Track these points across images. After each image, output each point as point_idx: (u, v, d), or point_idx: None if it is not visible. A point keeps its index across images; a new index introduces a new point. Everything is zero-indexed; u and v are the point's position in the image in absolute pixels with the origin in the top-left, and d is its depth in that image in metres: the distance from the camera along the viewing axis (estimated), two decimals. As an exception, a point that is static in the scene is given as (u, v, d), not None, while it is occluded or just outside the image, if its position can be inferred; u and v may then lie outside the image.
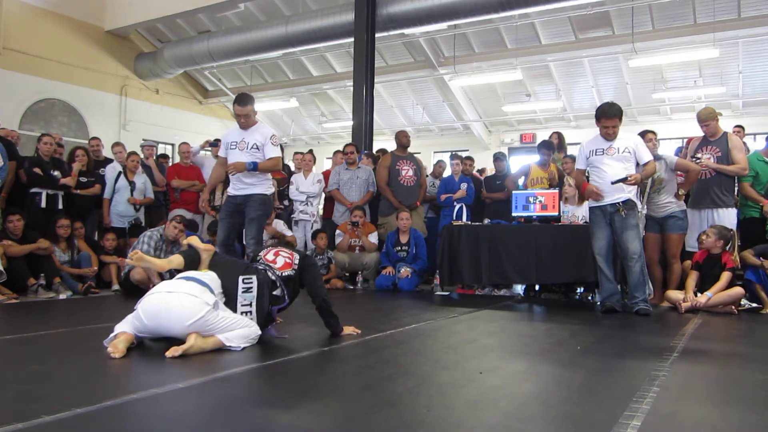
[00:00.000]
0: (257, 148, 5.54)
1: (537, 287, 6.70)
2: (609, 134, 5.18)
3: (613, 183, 5.09)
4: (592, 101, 14.48)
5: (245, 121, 5.54)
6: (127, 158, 7.76)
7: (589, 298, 6.34)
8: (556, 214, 6.39)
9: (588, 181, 5.46)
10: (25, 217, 6.17)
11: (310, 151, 8.54)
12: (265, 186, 5.65)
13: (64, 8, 13.76)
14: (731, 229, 5.50)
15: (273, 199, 7.99)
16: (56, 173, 6.83)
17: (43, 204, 6.70)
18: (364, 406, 2.27)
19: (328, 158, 13.94)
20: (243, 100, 5.52)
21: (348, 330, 3.83)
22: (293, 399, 2.42)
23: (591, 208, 5.35)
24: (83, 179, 7.30)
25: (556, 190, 6.59)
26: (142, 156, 8.32)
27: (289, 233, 7.44)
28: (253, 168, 5.46)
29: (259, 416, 2.14)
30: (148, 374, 2.91)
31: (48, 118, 13.36)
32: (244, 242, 5.65)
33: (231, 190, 5.65)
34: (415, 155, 8.25)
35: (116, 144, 8.42)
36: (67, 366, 3.10)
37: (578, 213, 6.46)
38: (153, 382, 2.54)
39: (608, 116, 5.18)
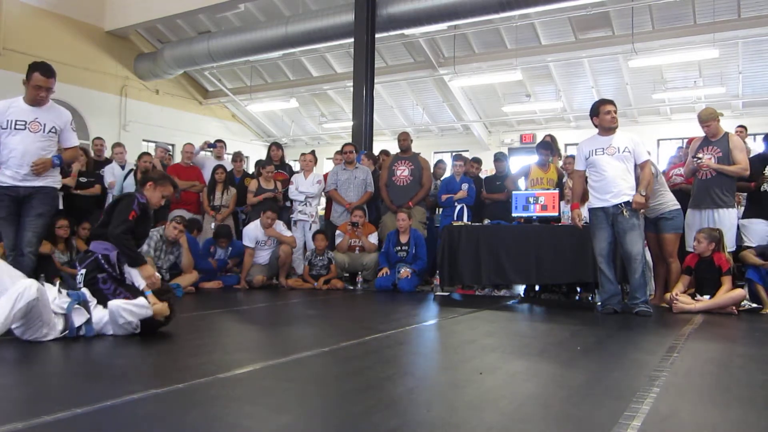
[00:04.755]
0: (54, 133, 4.71)
1: (537, 287, 6.70)
2: (614, 119, 5.23)
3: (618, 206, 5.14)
4: (592, 101, 14.41)
5: (45, 96, 4.64)
6: (139, 159, 7.80)
7: (589, 298, 6.34)
8: (556, 214, 6.38)
9: (586, 182, 5.48)
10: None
11: (312, 152, 8.54)
12: (57, 179, 4.84)
13: (64, 8, 13.76)
14: (717, 229, 5.52)
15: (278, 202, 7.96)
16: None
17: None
18: (364, 406, 2.27)
19: (328, 158, 13.95)
20: (49, 69, 4.62)
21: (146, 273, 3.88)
22: (293, 399, 2.42)
23: (592, 210, 5.33)
24: (83, 179, 7.31)
25: (556, 191, 6.59)
26: (153, 155, 8.39)
27: (288, 234, 7.44)
28: (59, 164, 4.74)
29: (259, 417, 2.14)
30: (143, 375, 2.91)
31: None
32: (21, 240, 4.64)
33: (9, 180, 4.59)
34: (419, 156, 8.23)
35: (117, 144, 8.45)
36: (66, 366, 3.10)
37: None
38: (151, 384, 2.53)
39: (606, 101, 5.30)
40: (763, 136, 6.54)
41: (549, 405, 2.38)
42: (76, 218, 6.89)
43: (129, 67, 15.51)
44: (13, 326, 3.30)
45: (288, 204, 8.22)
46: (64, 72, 13.43)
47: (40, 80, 4.54)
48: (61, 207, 6.80)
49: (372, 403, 2.32)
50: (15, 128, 4.56)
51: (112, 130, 14.34)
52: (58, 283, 3.74)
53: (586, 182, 5.51)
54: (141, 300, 3.66)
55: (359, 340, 3.68)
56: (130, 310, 3.57)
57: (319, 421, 2.14)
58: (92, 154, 8.23)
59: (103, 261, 3.83)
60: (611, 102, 5.33)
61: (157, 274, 3.97)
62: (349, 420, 2.10)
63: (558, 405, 2.37)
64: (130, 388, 2.41)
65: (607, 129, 5.28)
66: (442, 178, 8.38)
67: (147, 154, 8.00)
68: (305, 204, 7.91)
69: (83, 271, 3.80)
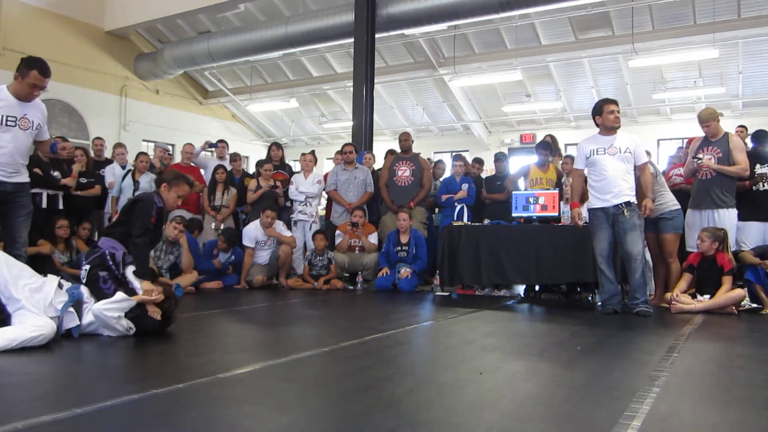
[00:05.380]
0: (38, 129, 4.60)
1: (537, 287, 6.70)
2: (617, 119, 5.22)
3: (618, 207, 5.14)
4: (592, 102, 14.43)
5: (38, 94, 4.50)
6: (137, 159, 7.80)
7: (589, 298, 6.33)
8: (556, 214, 6.38)
9: (586, 182, 5.48)
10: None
11: (312, 152, 8.55)
12: (27, 173, 4.67)
13: (64, 8, 13.76)
14: (722, 229, 5.51)
15: (279, 198, 7.93)
16: (56, 174, 6.83)
17: (44, 204, 6.70)
18: (364, 407, 2.27)
19: (328, 159, 13.95)
20: (47, 68, 4.44)
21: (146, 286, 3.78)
22: (293, 399, 2.42)
23: (592, 210, 5.32)
24: (83, 180, 7.32)
25: (556, 191, 6.59)
26: (151, 156, 8.39)
27: (288, 234, 7.44)
28: (54, 151, 4.74)
29: (259, 417, 2.14)
30: (143, 375, 2.91)
31: (48, 118, 13.35)
32: (15, 241, 4.51)
33: None
34: (420, 156, 8.24)
35: (118, 145, 8.45)
36: (65, 366, 3.10)
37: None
38: (151, 384, 2.54)
39: (609, 101, 5.29)
40: (751, 134, 6.55)
41: (549, 405, 2.38)
42: (76, 218, 6.89)
43: (129, 67, 15.52)
44: None
45: (288, 204, 8.22)
46: (64, 72, 13.51)
47: (37, 79, 4.38)
48: (60, 207, 6.82)
49: (372, 403, 2.32)
50: (6, 125, 4.35)
51: (112, 130, 14.35)
52: (59, 278, 3.72)
53: (586, 182, 5.51)
54: (119, 294, 3.59)
55: (359, 340, 3.68)
56: (111, 307, 3.52)
57: (320, 421, 2.14)
58: (92, 154, 8.23)
59: (108, 258, 3.81)
60: (615, 102, 5.31)
61: (157, 291, 3.81)
62: (349, 420, 2.10)
63: (558, 405, 2.37)
64: (130, 388, 2.41)
65: (609, 129, 5.27)
66: (441, 179, 8.38)
67: (144, 153, 7.97)
68: (305, 204, 7.91)
69: (87, 267, 3.78)
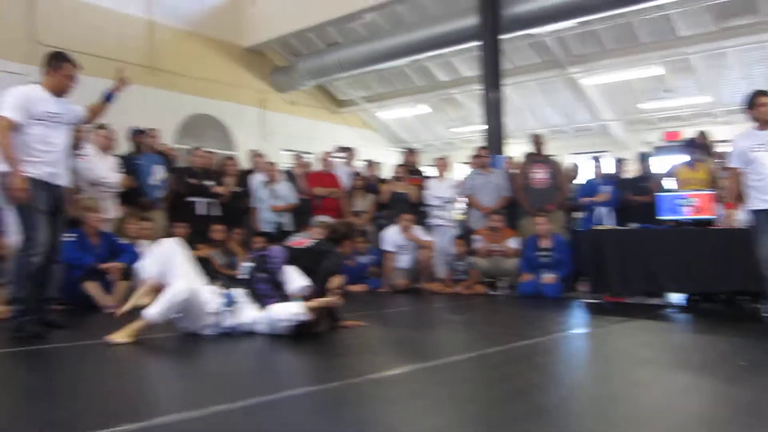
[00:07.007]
0: (75, 121, 4.43)
1: (696, 296, 6.21)
2: None
3: None
4: (742, 94, 13.39)
5: (72, 87, 4.20)
6: (255, 164, 8.28)
7: (757, 308, 5.81)
8: (712, 217, 5.96)
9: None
10: (188, 226, 6.78)
11: (445, 157, 8.60)
12: None
13: (206, 29, 14.78)
14: None
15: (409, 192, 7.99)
16: (210, 183, 7.41)
17: (203, 211, 7.30)
18: (514, 413, 2.27)
19: (460, 163, 13.94)
20: (71, 59, 4.19)
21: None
22: (444, 404, 2.46)
23: (755, 212, 4.92)
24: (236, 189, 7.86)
25: (712, 192, 6.15)
26: (292, 165, 8.85)
27: (426, 238, 7.53)
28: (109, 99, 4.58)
29: (410, 420, 2.21)
30: (296, 373, 3.07)
31: (198, 132, 14.39)
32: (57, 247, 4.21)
33: (50, 177, 4.06)
34: (554, 158, 8.04)
35: (256, 154, 8.93)
36: (225, 363, 3.33)
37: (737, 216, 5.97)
38: (305, 382, 2.67)
39: (762, 92, 4.95)
40: None
41: (713, 424, 2.26)
42: (229, 225, 7.41)
43: (266, 80, 16.39)
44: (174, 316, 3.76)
45: (425, 209, 8.27)
46: (209, 88, 14.52)
47: (70, 69, 4.15)
48: (216, 214, 7.42)
49: (522, 411, 2.32)
50: (52, 121, 4.07)
51: (253, 140, 15.21)
52: (217, 285, 4.10)
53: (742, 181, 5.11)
54: (297, 306, 3.87)
55: (506, 347, 3.68)
56: (287, 317, 3.81)
57: (471, 427, 2.16)
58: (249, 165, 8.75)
59: (270, 261, 4.13)
60: (767, 93, 4.92)
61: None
62: (501, 427, 2.11)
63: (723, 426, 2.25)
64: (285, 384, 2.57)
65: (765, 122, 4.89)
66: (586, 180, 8.13)
67: (230, 158, 8.34)
68: (442, 209, 7.97)
69: (250, 265, 4.18)
